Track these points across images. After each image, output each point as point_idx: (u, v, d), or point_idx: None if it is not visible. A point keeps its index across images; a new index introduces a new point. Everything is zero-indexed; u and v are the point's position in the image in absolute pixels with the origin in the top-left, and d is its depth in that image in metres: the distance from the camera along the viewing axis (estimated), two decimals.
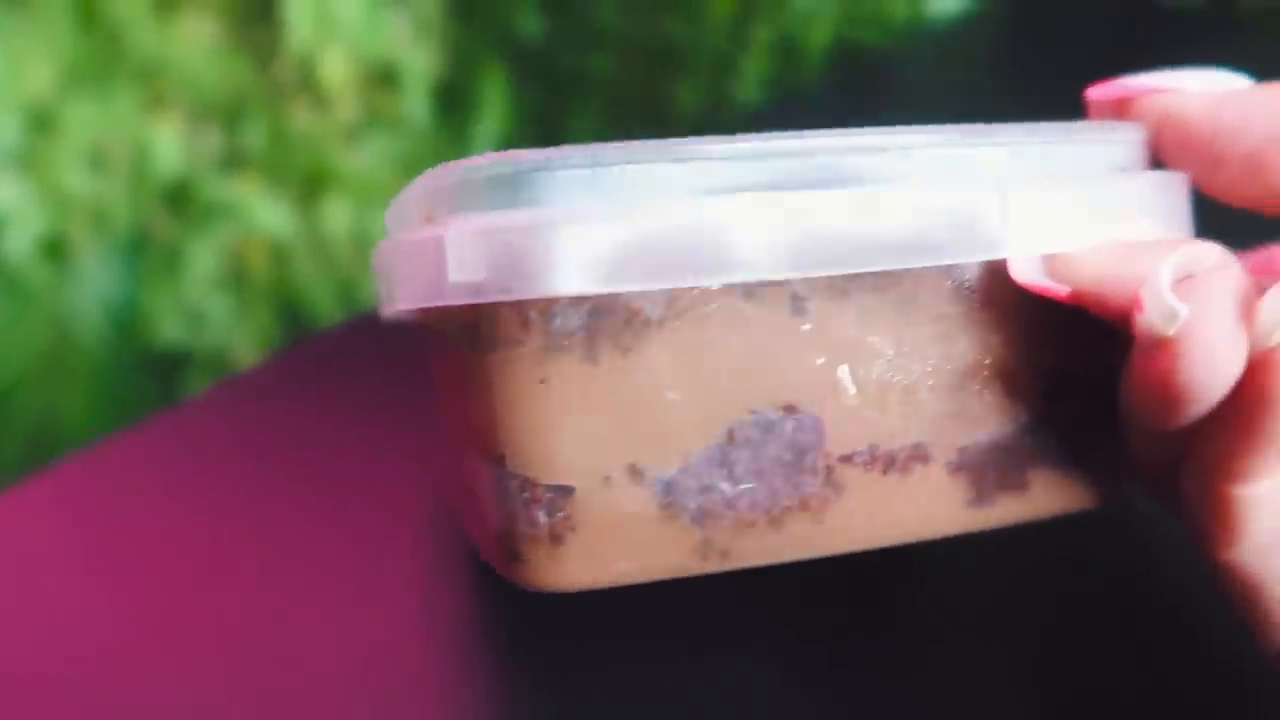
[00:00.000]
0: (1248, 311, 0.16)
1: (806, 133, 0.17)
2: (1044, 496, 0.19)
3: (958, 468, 0.18)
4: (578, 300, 0.16)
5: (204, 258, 0.54)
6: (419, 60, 0.58)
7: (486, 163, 0.17)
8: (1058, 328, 0.18)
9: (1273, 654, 0.19)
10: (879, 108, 0.49)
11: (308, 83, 0.57)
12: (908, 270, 0.17)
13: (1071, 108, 0.45)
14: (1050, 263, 0.18)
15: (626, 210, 0.16)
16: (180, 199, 0.55)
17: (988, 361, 0.18)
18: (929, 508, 0.18)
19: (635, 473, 0.17)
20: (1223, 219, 0.19)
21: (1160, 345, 0.16)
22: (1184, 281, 0.16)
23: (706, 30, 0.60)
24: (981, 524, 0.18)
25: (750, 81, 0.60)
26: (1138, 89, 0.20)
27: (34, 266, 0.51)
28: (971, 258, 0.17)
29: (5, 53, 0.50)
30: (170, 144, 0.54)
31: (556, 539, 0.17)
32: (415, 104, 0.59)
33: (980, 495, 0.18)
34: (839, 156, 0.17)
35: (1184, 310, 0.15)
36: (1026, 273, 0.18)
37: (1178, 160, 0.20)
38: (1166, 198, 0.19)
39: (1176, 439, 0.18)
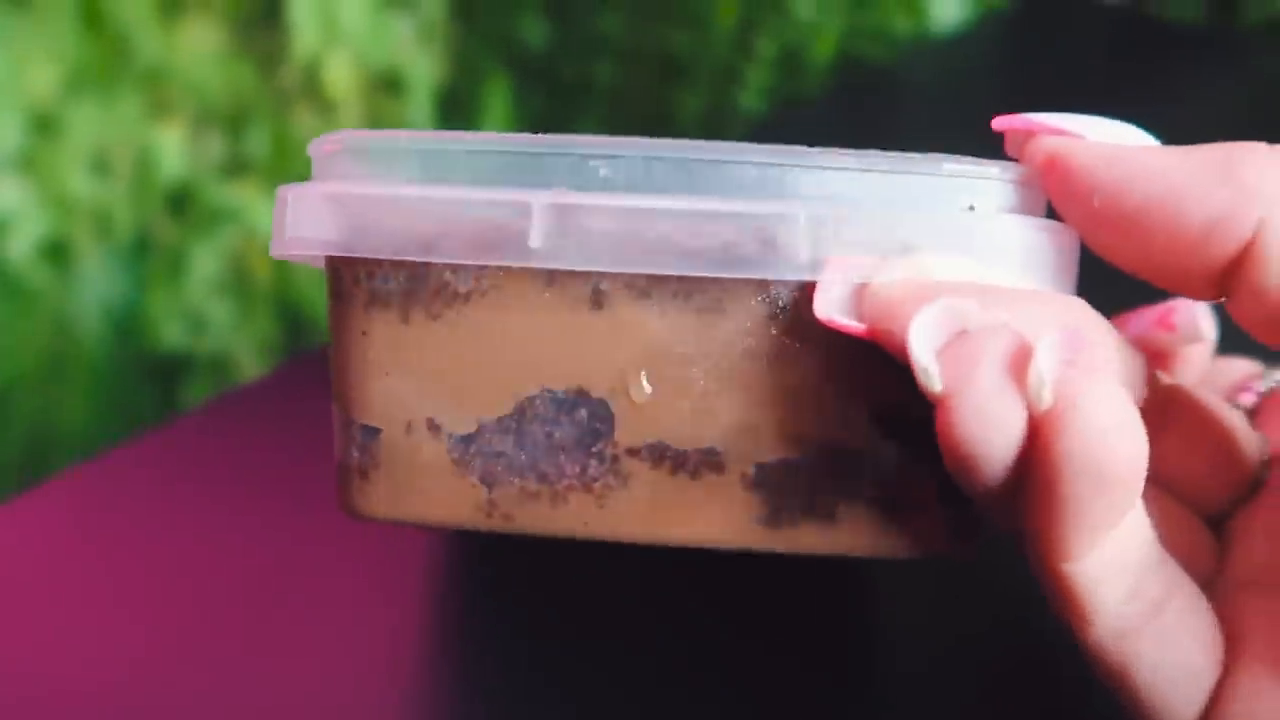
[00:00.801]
0: (1019, 372, 0.15)
1: (637, 139, 0.18)
2: (858, 533, 0.18)
3: (755, 483, 0.18)
4: (397, 265, 0.18)
5: (206, 262, 0.55)
6: (422, 67, 0.59)
7: (337, 138, 0.19)
8: (880, 360, 0.17)
9: None
10: (879, 118, 0.49)
11: (311, 88, 0.57)
12: (714, 280, 0.17)
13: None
14: (857, 295, 0.17)
15: (441, 190, 0.18)
16: (183, 203, 0.55)
17: (796, 383, 0.18)
18: (718, 516, 0.18)
19: (434, 426, 0.18)
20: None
21: (936, 400, 0.15)
22: (957, 337, 0.15)
23: (710, 41, 0.60)
24: (780, 545, 0.18)
25: (753, 91, 0.60)
26: (1035, 126, 0.19)
27: (35, 269, 0.51)
28: (771, 276, 0.17)
29: (8, 55, 0.50)
30: (173, 148, 0.54)
31: (364, 474, 0.19)
32: (418, 110, 0.59)
33: (777, 516, 0.18)
34: (657, 162, 0.18)
35: (934, 368, 0.15)
36: (827, 304, 0.17)
37: (1063, 210, 0.19)
38: (1024, 244, 0.18)
39: (1009, 507, 0.16)
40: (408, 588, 0.28)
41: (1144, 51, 0.48)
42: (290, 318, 0.55)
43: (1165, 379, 0.20)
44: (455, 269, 0.18)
